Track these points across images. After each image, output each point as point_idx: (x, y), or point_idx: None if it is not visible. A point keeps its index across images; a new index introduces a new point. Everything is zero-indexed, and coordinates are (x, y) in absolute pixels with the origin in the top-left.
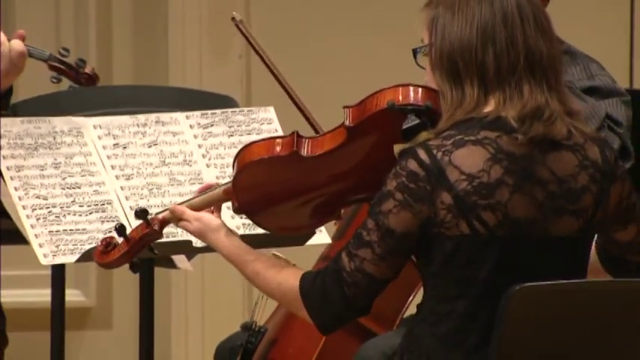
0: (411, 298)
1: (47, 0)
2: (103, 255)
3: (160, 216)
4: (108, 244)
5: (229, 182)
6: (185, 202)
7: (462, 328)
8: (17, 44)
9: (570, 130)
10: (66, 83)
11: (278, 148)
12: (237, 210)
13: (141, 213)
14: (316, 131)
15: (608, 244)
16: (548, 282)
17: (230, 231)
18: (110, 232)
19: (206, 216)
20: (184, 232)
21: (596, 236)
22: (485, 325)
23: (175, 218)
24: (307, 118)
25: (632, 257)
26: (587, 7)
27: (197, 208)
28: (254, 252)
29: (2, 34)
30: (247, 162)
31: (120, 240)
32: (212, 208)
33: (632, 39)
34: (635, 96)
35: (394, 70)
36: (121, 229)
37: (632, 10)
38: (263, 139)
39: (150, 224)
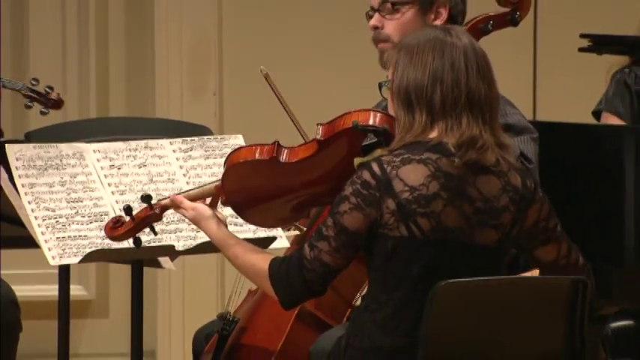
0: (358, 296)
1: (55, 46)
2: (112, 230)
3: (162, 202)
4: (117, 222)
5: (219, 180)
6: (183, 193)
7: (397, 314)
8: None
9: (498, 159)
10: (37, 107)
11: (261, 153)
12: (225, 203)
13: (146, 198)
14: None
15: (534, 264)
16: (468, 279)
17: (219, 220)
18: (106, 238)
19: (200, 206)
20: (169, 237)
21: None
22: (416, 313)
23: (175, 206)
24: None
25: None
26: (495, 48)
27: (193, 199)
28: (236, 238)
29: None
30: (234, 162)
31: (127, 219)
32: (208, 202)
33: (535, 76)
34: (538, 127)
35: (352, 98)
36: (128, 209)
37: (535, 50)
38: (250, 145)
39: (153, 208)
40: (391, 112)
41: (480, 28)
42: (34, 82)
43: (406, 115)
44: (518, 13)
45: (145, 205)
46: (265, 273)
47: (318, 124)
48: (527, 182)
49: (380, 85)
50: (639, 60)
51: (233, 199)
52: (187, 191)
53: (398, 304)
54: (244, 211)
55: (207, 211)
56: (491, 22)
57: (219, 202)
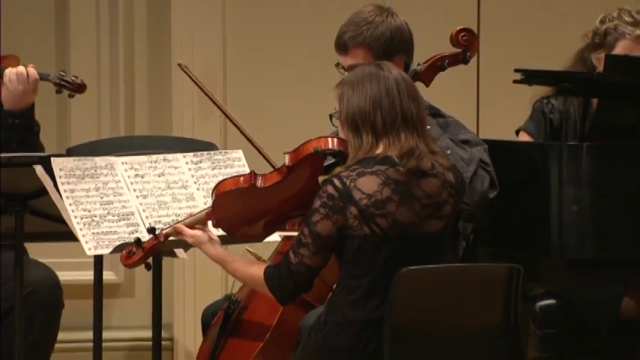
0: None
1: (91, 79)
2: (126, 259)
3: (165, 232)
4: (129, 252)
5: (209, 207)
6: (182, 221)
7: (366, 296)
8: (32, 72)
9: (433, 163)
10: (66, 93)
11: (241, 182)
12: (215, 226)
13: (151, 230)
14: (270, 164)
15: None
16: (424, 266)
17: (215, 241)
18: (132, 233)
19: (198, 232)
20: None
21: None
22: (382, 294)
23: (176, 233)
24: (258, 150)
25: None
26: (446, 80)
27: (190, 226)
28: (232, 255)
29: (22, 66)
30: (220, 192)
31: (137, 249)
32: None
33: (478, 103)
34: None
35: (320, 126)
36: (138, 241)
37: (478, 82)
38: (231, 177)
39: (157, 237)
40: (341, 136)
41: (438, 66)
42: (62, 74)
43: (355, 137)
44: (468, 53)
45: (150, 235)
46: (261, 280)
47: (284, 153)
48: (458, 176)
49: (330, 116)
50: (561, 90)
51: (221, 222)
52: (184, 220)
53: (367, 288)
54: (231, 230)
55: (204, 236)
56: (447, 61)
57: (211, 225)
